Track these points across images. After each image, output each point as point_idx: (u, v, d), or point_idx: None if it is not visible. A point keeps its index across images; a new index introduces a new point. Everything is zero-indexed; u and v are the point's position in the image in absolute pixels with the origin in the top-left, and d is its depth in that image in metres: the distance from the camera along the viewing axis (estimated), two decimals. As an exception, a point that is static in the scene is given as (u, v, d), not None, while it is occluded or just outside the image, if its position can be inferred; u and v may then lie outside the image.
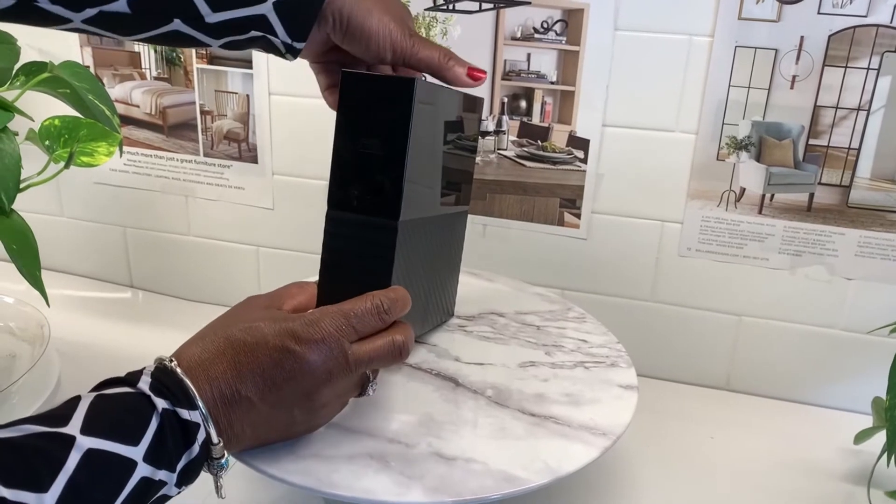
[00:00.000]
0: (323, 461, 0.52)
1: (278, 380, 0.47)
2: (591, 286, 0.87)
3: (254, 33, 0.51)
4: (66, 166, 0.64)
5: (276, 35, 0.51)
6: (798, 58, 0.73)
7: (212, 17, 0.49)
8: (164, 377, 0.45)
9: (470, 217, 0.85)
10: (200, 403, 0.45)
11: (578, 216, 0.84)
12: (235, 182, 0.94)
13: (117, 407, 0.42)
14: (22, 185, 0.63)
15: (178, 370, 0.46)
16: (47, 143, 0.64)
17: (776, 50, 0.73)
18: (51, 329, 0.83)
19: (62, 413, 0.41)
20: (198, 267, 1.01)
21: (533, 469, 0.52)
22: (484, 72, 0.56)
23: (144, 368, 0.47)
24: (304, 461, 0.52)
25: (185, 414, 0.44)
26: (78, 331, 0.93)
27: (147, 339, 0.93)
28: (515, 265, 0.87)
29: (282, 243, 0.96)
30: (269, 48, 0.53)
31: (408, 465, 0.52)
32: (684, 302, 0.85)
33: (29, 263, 0.61)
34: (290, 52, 0.53)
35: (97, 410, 0.41)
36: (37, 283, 0.61)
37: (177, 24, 0.49)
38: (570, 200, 0.84)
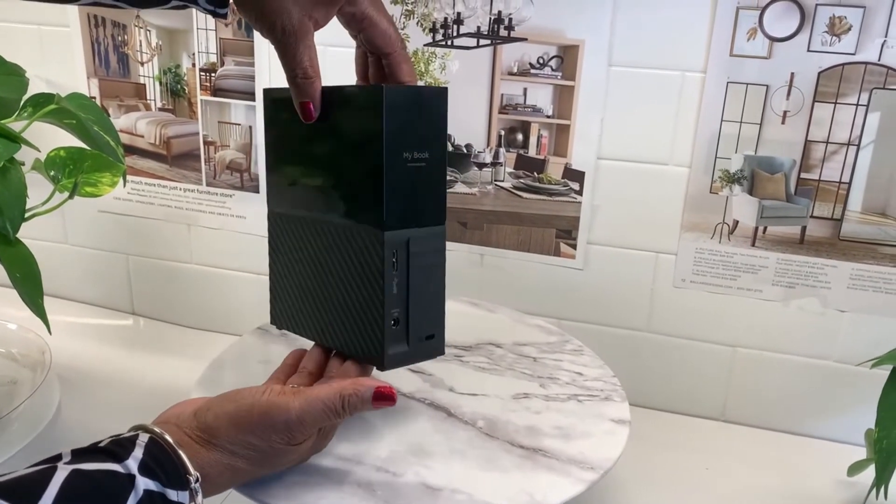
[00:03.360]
0: (310, 488, 0.53)
1: (270, 455, 0.49)
2: (587, 316, 0.87)
3: (174, 4, 0.49)
4: (71, 196, 0.66)
5: (197, 4, 0.49)
6: (789, 93, 0.75)
7: None
8: (157, 453, 0.45)
9: (468, 246, 0.88)
10: (195, 485, 0.45)
11: (574, 246, 0.85)
12: (237, 211, 0.95)
13: (92, 492, 0.40)
14: (27, 214, 0.64)
15: (181, 452, 0.46)
16: (52, 173, 0.66)
17: (767, 86, 0.75)
18: (52, 355, 0.84)
19: (31, 488, 0.38)
20: (199, 295, 1.02)
21: (517, 501, 0.53)
22: None
23: (138, 437, 0.46)
24: (292, 488, 0.53)
25: (173, 495, 0.44)
26: (79, 357, 0.94)
27: (148, 366, 0.94)
28: (512, 294, 0.88)
29: None
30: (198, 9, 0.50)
31: (393, 494, 0.53)
32: (679, 332, 0.85)
33: (31, 291, 0.62)
34: (218, 16, 0.51)
35: (68, 494, 0.39)
36: (39, 311, 0.63)
37: None
38: (566, 231, 0.85)
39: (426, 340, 0.56)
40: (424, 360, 0.58)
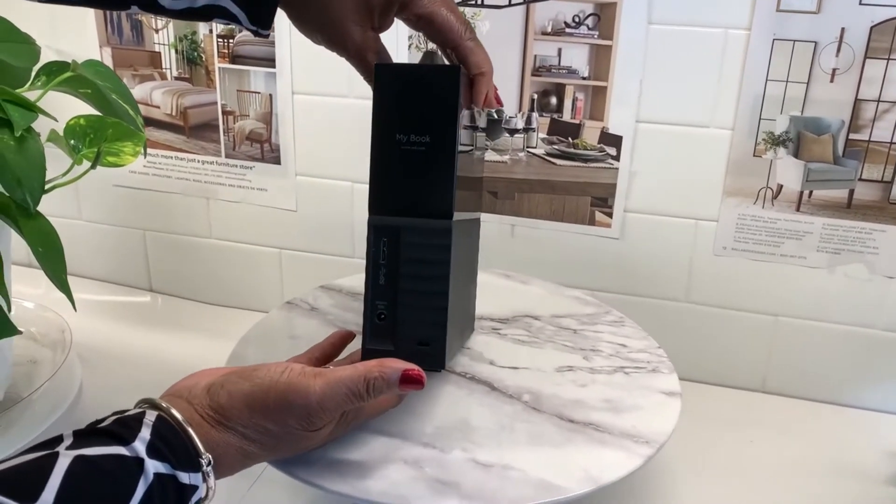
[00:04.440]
0: (356, 466, 0.51)
1: (286, 441, 0.47)
2: (624, 287, 0.86)
3: (217, 20, 0.49)
4: (93, 166, 0.63)
5: (239, 23, 0.49)
6: (839, 50, 0.72)
7: (171, 5, 0.47)
8: (166, 432, 0.42)
9: (498, 217, 0.86)
10: (207, 468, 0.43)
11: (610, 215, 0.83)
12: (258, 183, 0.93)
13: (98, 480, 0.38)
14: (47, 187, 0.62)
15: (191, 431, 0.43)
16: (72, 142, 0.64)
17: (815, 42, 0.72)
18: (73, 334, 0.83)
19: (32, 480, 0.36)
20: (219, 270, 1.00)
21: (573, 478, 0.51)
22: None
23: (145, 415, 0.43)
24: (337, 465, 0.51)
25: (184, 478, 0.42)
26: (99, 336, 0.92)
27: (168, 343, 0.92)
28: (545, 266, 0.86)
29: (305, 245, 0.95)
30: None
31: (442, 471, 0.51)
32: (719, 302, 0.84)
33: (55, 266, 0.60)
34: (260, 35, 0.51)
35: (73, 484, 0.37)
36: (64, 287, 0.60)
37: (133, 10, 0.47)
38: (602, 199, 0.83)
39: (418, 346, 0.51)
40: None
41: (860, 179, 0.75)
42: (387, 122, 0.50)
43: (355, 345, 0.60)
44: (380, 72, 0.50)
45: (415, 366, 0.48)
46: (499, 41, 0.79)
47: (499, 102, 0.57)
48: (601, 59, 0.78)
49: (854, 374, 0.82)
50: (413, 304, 0.51)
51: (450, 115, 0.50)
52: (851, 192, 0.76)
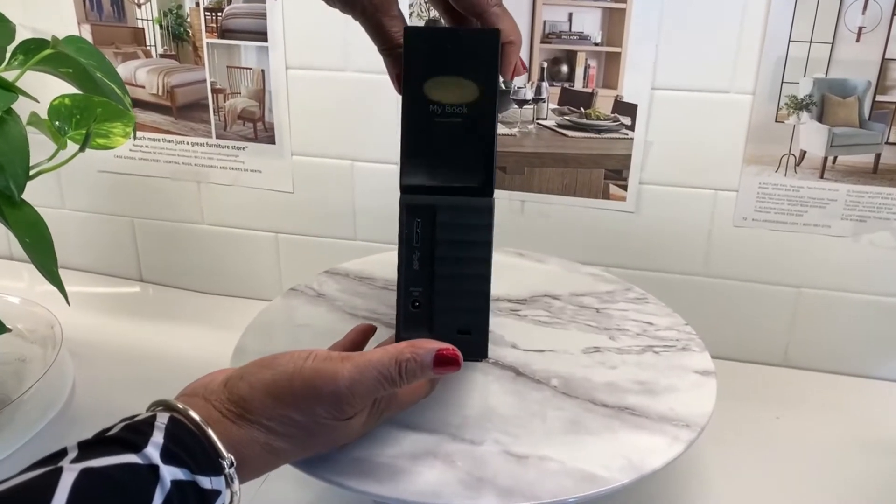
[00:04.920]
0: (382, 462, 0.48)
1: (315, 433, 0.44)
2: (640, 262, 0.83)
3: None
4: (82, 149, 0.59)
5: None
6: (865, 7, 0.69)
7: None
8: (182, 434, 0.39)
9: (507, 193, 0.83)
10: (229, 470, 0.40)
11: (625, 188, 0.80)
12: (251, 165, 0.90)
13: (108, 491, 0.35)
14: (32, 172, 0.57)
15: (209, 431, 0.40)
16: (57, 123, 0.59)
17: None
18: (62, 329, 0.79)
19: (36, 501, 0.33)
20: (213, 257, 0.97)
21: (615, 467, 0.49)
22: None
23: (156, 418, 0.39)
24: (362, 463, 0.48)
25: (205, 483, 0.38)
26: (89, 331, 0.88)
27: (162, 336, 0.89)
28: (558, 243, 0.84)
29: (303, 229, 0.92)
30: None
31: (476, 465, 0.48)
32: (740, 275, 0.81)
33: (44, 258, 0.56)
34: None
35: (81, 501, 0.33)
36: (54, 280, 0.57)
37: None
38: (616, 171, 0.80)
39: (459, 335, 0.48)
40: None
41: (887, 143, 0.73)
42: (419, 92, 0.47)
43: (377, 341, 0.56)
44: (411, 36, 0.47)
45: (449, 345, 0.45)
46: (505, 6, 0.75)
47: (524, 68, 0.54)
48: (614, 23, 0.74)
49: (880, 345, 0.80)
50: (451, 290, 0.48)
51: (489, 83, 0.47)
52: (878, 156, 0.74)
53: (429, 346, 0.45)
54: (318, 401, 0.42)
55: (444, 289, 0.48)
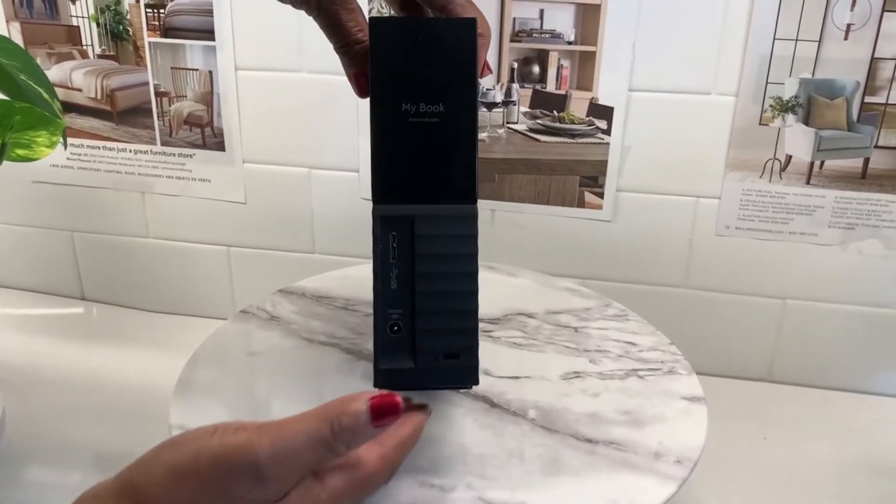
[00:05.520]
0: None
1: None
2: (618, 273, 0.81)
3: None
4: (-2, 163, 0.53)
5: None
6: (853, 3, 0.66)
7: None
8: None
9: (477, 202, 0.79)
10: None
11: (601, 195, 0.77)
12: (200, 173, 0.86)
13: None
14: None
15: None
16: (-29, 135, 0.53)
17: None
18: (-9, 356, 0.73)
19: None
20: (160, 273, 0.92)
21: (602, 511, 0.44)
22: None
23: None
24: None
25: None
26: (22, 355, 0.83)
27: (106, 360, 0.83)
28: (530, 254, 0.81)
29: (257, 242, 0.88)
30: None
31: (447, 515, 0.44)
32: (722, 286, 0.79)
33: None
34: None
35: None
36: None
37: None
38: (592, 178, 0.77)
39: (446, 360, 0.44)
40: (446, 387, 0.47)
41: (876, 147, 0.70)
42: (389, 91, 0.43)
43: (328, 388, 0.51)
44: (377, 29, 0.43)
45: (381, 390, 0.38)
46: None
47: (489, 70, 0.49)
48: (589, 20, 0.72)
49: (869, 358, 0.78)
50: (435, 310, 0.44)
51: (468, 77, 0.43)
52: (867, 160, 0.71)
53: (359, 397, 0.37)
54: (232, 478, 0.34)
55: (426, 309, 0.44)
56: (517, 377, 0.56)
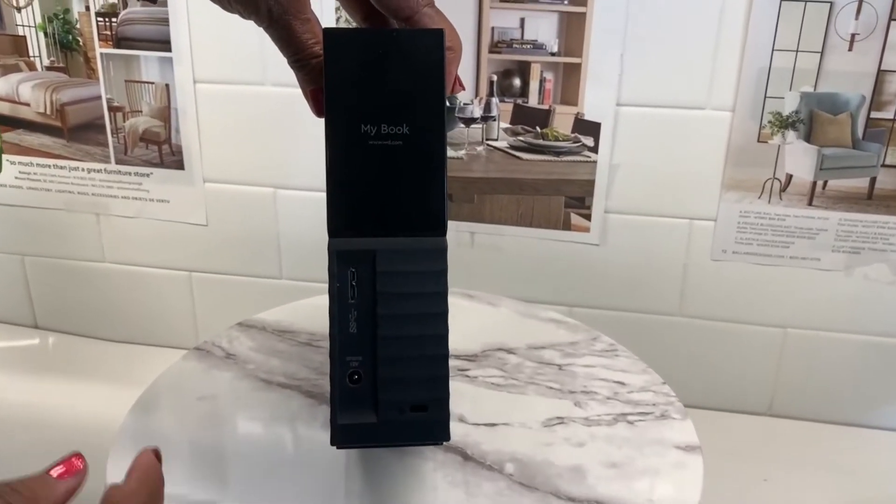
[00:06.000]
0: None
1: None
2: (606, 301, 0.79)
3: None
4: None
5: None
6: (858, 11, 0.64)
7: None
8: None
9: (454, 224, 0.79)
10: None
11: (588, 217, 0.76)
12: (158, 194, 0.84)
13: None
14: None
15: None
16: None
17: (831, 3, 0.64)
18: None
19: None
20: (118, 300, 0.90)
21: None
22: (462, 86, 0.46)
23: None
24: None
25: None
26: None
27: (60, 393, 0.81)
28: (512, 281, 0.79)
29: (220, 267, 0.86)
30: None
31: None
32: (719, 315, 0.77)
33: None
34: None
35: None
36: None
37: None
38: (578, 199, 0.76)
39: (413, 413, 0.40)
40: (413, 444, 0.43)
41: (883, 165, 0.69)
42: (347, 111, 0.40)
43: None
44: (332, 40, 0.39)
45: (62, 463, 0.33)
46: (447, 10, 0.68)
47: (461, 86, 0.46)
48: (573, 29, 0.70)
49: (875, 390, 0.76)
50: (399, 357, 0.40)
51: (435, 94, 0.40)
52: (873, 180, 0.69)
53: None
54: None
55: (390, 355, 0.40)
56: (494, 424, 0.53)
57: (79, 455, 0.33)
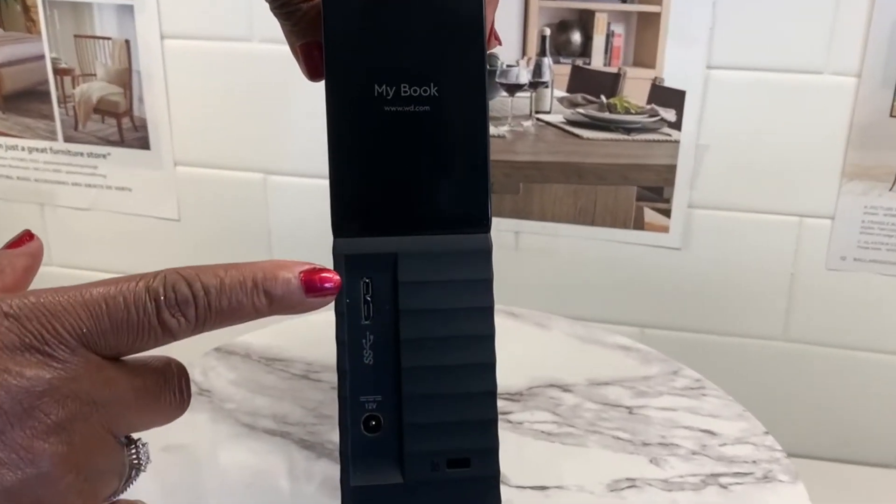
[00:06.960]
0: None
1: None
2: (688, 322, 0.80)
3: None
4: None
5: None
6: None
7: None
8: None
9: (495, 221, 0.81)
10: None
11: (667, 213, 0.77)
12: (117, 180, 0.86)
13: None
14: None
15: None
16: None
17: None
18: None
19: None
20: None
21: None
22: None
23: None
24: None
25: None
26: None
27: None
28: (568, 294, 0.81)
29: None
30: None
31: None
32: (835, 340, 0.78)
33: None
34: None
35: None
36: None
37: None
38: (654, 189, 0.77)
39: (451, 470, 0.40)
40: None
41: None
42: (353, 69, 0.39)
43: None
44: None
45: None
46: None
47: (497, 40, 0.47)
48: None
49: None
50: (431, 394, 0.40)
51: (473, 45, 0.39)
52: None
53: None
54: None
55: (418, 393, 0.40)
56: (544, 487, 0.54)
57: (29, 232, 0.35)
